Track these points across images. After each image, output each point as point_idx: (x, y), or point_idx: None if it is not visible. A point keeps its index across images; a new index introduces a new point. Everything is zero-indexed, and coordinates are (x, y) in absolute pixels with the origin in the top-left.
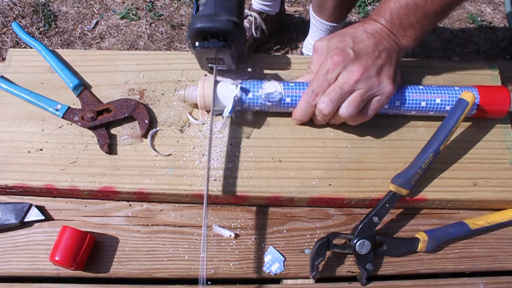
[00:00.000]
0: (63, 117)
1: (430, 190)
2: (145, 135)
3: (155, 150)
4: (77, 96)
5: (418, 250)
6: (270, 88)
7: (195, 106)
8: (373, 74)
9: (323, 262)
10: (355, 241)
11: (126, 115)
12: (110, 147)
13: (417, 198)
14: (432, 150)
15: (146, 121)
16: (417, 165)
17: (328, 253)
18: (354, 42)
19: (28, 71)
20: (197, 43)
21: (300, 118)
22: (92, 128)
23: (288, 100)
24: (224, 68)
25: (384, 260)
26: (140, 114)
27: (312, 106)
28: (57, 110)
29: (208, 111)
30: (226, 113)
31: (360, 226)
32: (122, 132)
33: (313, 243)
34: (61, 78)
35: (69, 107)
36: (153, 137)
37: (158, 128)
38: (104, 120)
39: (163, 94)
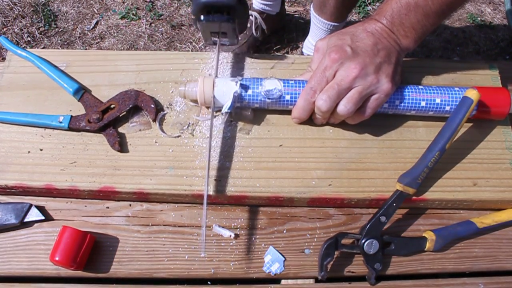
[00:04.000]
0: (69, 128)
1: (430, 190)
2: (155, 120)
3: (164, 132)
4: (78, 100)
5: (425, 249)
6: (270, 85)
7: (195, 101)
8: (371, 71)
9: (331, 262)
10: (363, 241)
11: (130, 106)
12: (121, 145)
13: (417, 198)
14: (438, 149)
15: (152, 106)
16: (423, 163)
17: (336, 253)
18: (352, 40)
19: (28, 71)
20: (202, 17)
21: (299, 116)
22: (101, 130)
23: (287, 97)
24: (227, 43)
25: (383, 260)
26: (144, 101)
27: (310, 103)
28: (60, 122)
29: (208, 107)
30: (225, 109)
31: (368, 226)
32: (131, 120)
33: (313, 243)
34: (60, 85)
35: (71, 116)
36: (161, 120)
37: (165, 112)
38: (111, 117)
39: (162, 95)
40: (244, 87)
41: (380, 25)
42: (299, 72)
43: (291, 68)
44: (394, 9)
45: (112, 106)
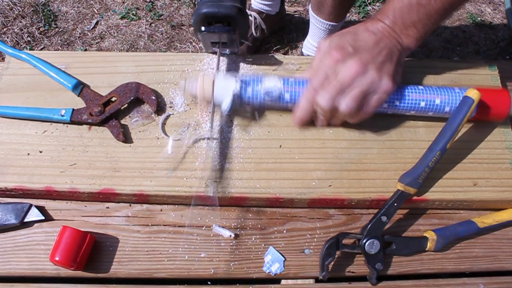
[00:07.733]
0: (71, 121)
1: (430, 191)
2: (156, 112)
3: (166, 134)
4: (78, 95)
5: (427, 249)
6: (269, 83)
7: (195, 97)
8: (373, 70)
9: (332, 262)
10: (364, 241)
11: (132, 98)
12: (125, 135)
13: (418, 198)
14: (439, 148)
15: (153, 97)
16: (424, 163)
17: (337, 253)
18: (354, 39)
19: (27, 73)
20: (203, 28)
21: (300, 116)
22: (103, 122)
23: (287, 96)
24: (227, 52)
25: (384, 260)
26: (146, 93)
27: (312, 102)
28: (62, 115)
29: (207, 104)
30: (225, 106)
31: (369, 226)
32: (132, 116)
33: (313, 243)
34: (59, 82)
35: (73, 109)
36: (164, 122)
37: (169, 113)
38: (112, 109)
39: (162, 95)
40: (244, 84)
41: (382, 24)
42: (299, 73)
43: (296, 71)
44: (396, 8)
45: (113, 99)
